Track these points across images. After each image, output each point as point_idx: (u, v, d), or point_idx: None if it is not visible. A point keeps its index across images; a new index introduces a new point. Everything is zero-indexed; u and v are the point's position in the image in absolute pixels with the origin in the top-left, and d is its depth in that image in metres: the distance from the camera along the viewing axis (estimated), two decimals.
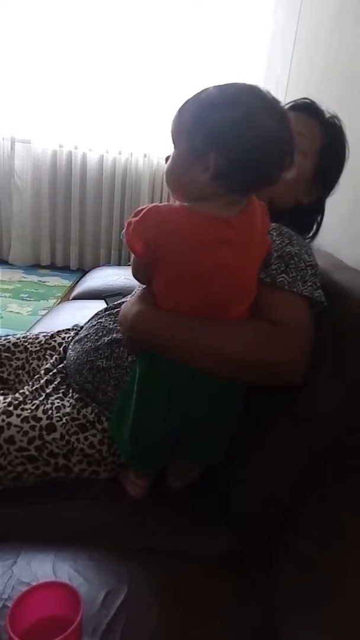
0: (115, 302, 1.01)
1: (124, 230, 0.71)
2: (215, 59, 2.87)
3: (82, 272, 3.13)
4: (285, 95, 1.90)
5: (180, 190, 0.72)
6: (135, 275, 0.79)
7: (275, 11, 2.31)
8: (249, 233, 0.72)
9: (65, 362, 1.02)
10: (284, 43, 2.05)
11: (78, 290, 2.05)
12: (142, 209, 0.70)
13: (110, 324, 0.94)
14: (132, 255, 0.75)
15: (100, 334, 0.93)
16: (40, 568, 0.68)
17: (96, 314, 1.03)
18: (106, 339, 0.92)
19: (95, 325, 0.97)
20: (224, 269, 0.70)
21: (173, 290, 0.74)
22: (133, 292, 1.01)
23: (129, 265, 0.79)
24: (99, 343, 0.92)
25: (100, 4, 2.88)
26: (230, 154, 0.64)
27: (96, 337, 0.93)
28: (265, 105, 0.64)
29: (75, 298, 1.97)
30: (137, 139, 3.05)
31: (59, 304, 2.59)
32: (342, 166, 0.91)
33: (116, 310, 0.95)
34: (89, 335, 0.96)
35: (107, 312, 0.99)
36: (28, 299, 2.80)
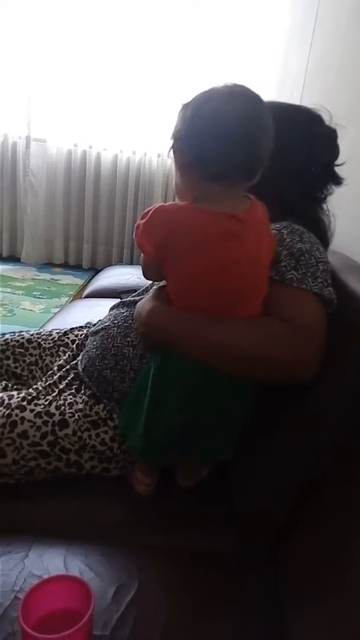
0: (133, 295, 1.02)
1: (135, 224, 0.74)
2: (231, 58, 2.86)
3: (95, 270, 3.15)
4: (301, 94, 1.89)
5: (183, 197, 0.76)
6: (145, 275, 0.81)
7: (293, 9, 2.30)
8: (257, 230, 0.73)
9: (79, 357, 1.03)
10: (300, 42, 2.04)
11: (91, 288, 2.06)
12: (149, 210, 0.72)
13: None
14: (142, 255, 0.76)
15: (130, 322, 0.93)
16: (52, 562, 0.69)
17: (114, 306, 1.03)
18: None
19: (124, 313, 0.97)
20: (234, 265, 0.71)
21: (185, 287, 0.75)
22: (147, 289, 1.02)
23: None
24: (128, 330, 0.92)
25: (119, 3, 2.89)
26: (187, 140, 0.69)
27: (125, 325, 0.93)
28: (214, 94, 0.68)
29: (88, 296, 1.99)
30: (151, 139, 3.06)
31: (71, 302, 2.61)
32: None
33: (135, 302, 0.96)
34: (116, 322, 0.96)
35: (128, 307, 0.99)
36: (41, 296, 2.82)
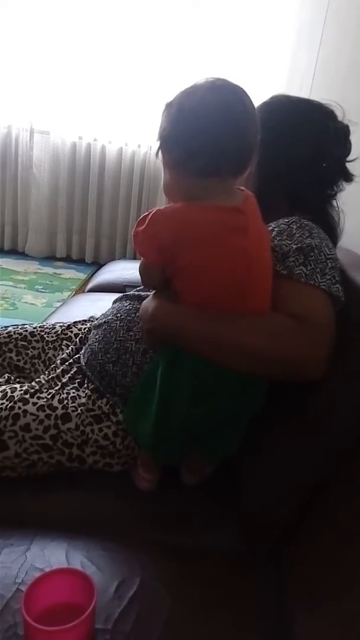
0: (138, 291, 1.01)
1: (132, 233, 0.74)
2: (240, 53, 2.84)
3: (97, 265, 3.14)
4: (310, 90, 1.88)
5: (174, 199, 0.75)
6: (145, 282, 0.81)
7: (302, 6, 2.29)
8: (257, 219, 0.74)
9: (82, 351, 1.02)
10: (310, 39, 2.03)
11: (94, 282, 2.06)
12: (146, 216, 0.71)
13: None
14: (141, 262, 0.76)
15: (133, 315, 0.92)
16: (54, 555, 0.69)
17: (117, 299, 1.03)
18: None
19: (127, 307, 0.96)
20: (242, 256, 0.71)
21: (195, 283, 0.74)
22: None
23: None
24: (131, 324, 0.92)
25: None
26: (174, 137, 0.69)
27: (129, 319, 0.93)
28: (196, 88, 0.68)
29: (91, 290, 1.98)
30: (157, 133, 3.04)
31: (73, 296, 2.60)
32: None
33: (142, 299, 0.95)
34: (119, 315, 0.95)
35: (131, 301, 0.99)
36: (43, 290, 2.82)
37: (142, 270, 0.79)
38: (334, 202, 0.92)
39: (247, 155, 0.69)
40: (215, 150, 0.66)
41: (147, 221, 0.71)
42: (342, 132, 0.87)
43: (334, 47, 1.72)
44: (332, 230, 0.90)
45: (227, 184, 0.71)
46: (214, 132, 0.66)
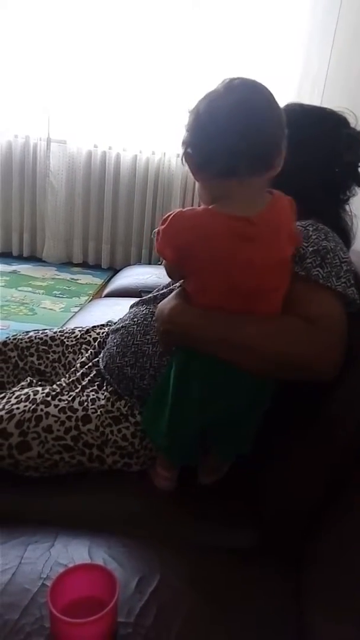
0: (153, 293, 1.03)
1: (155, 230, 0.76)
2: (252, 57, 2.85)
3: (113, 270, 3.19)
4: (322, 94, 1.89)
5: (204, 202, 0.78)
6: (171, 277, 0.86)
7: (314, 9, 2.29)
8: (275, 229, 0.73)
9: (100, 355, 1.05)
10: (321, 42, 2.03)
11: (111, 287, 2.09)
12: (168, 216, 0.73)
13: None
14: (164, 260, 0.79)
15: (150, 319, 0.95)
16: (77, 552, 0.71)
17: (134, 304, 1.06)
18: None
19: (143, 311, 0.99)
20: (250, 266, 0.71)
21: (205, 288, 0.76)
22: (167, 286, 1.03)
23: (159, 264, 0.84)
24: (148, 328, 0.94)
25: (142, 4, 2.92)
26: (192, 143, 0.73)
27: (145, 323, 0.95)
28: (211, 93, 0.70)
29: (107, 295, 2.01)
30: (171, 140, 3.07)
31: (90, 301, 2.64)
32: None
33: (158, 301, 0.97)
34: (136, 320, 0.98)
35: (147, 305, 1.01)
36: (60, 296, 2.87)
37: (165, 268, 0.82)
38: (347, 207, 0.93)
39: (264, 151, 0.68)
40: (227, 151, 0.68)
41: (167, 221, 0.73)
42: (354, 139, 0.88)
43: (347, 50, 1.73)
44: (345, 234, 0.91)
45: (248, 183, 0.70)
46: (224, 135, 0.67)
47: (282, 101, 0.94)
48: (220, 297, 0.75)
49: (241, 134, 0.67)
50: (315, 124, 0.88)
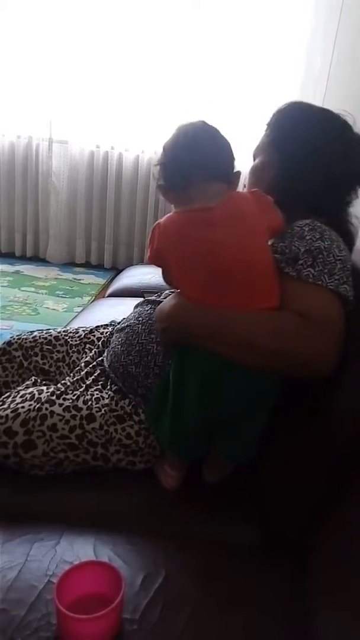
0: (156, 294, 1.05)
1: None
2: (254, 57, 2.85)
3: (116, 270, 3.19)
4: (324, 92, 1.89)
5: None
6: (167, 283, 0.92)
7: (316, 9, 2.30)
8: (236, 215, 0.81)
9: (104, 354, 1.06)
10: (324, 41, 2.04)
11: (113, 287, 2.09)
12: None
13: None
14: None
15: (154, 319, 0.96)
16: (82, 549, 0.72)
17: (139, 304, 1.07)
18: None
19: (148, 310, 1.00)
20: (216, 246, 0.77)
21: (188, 278, 0.81)
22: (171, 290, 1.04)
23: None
24: (152, 327, 0.95)
25: (143, 4, 2.92)
26: (159, 173, 0.88)
27: (150, 322, 0.96)
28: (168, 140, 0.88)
29: (110, 295, 2.02)
30: None
31: (93, 301, 2.65)
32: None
33: (159, 301, 0.99)
34: (140, 319, 0.99)
35: (152, 304, 1.02)
36: (63, 296, 2.88)
37: (161, 275, 0.90)
38: (350, 209, 0.94)
39: (210, 160, 0.82)
40: (178, 167, 0.83)
41: (150, 235, 0.85)
42: (358, 143, 0.88)
43: (349, 50, 1.73)
44: (348, 235, 0.91)
45: (204, 188, 0.81)
46: (176, 159, 0.84)
47: (283, 101, 0.95)
48: (206, 286, 0.79)
49: (186, 150, 0.83)
50: (323, 128, 0.89)
